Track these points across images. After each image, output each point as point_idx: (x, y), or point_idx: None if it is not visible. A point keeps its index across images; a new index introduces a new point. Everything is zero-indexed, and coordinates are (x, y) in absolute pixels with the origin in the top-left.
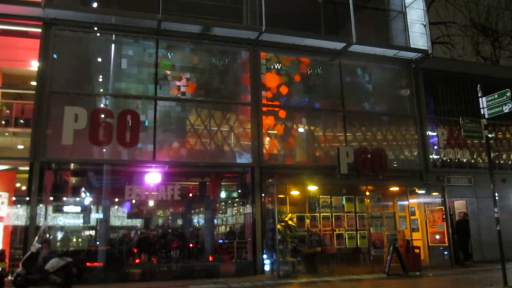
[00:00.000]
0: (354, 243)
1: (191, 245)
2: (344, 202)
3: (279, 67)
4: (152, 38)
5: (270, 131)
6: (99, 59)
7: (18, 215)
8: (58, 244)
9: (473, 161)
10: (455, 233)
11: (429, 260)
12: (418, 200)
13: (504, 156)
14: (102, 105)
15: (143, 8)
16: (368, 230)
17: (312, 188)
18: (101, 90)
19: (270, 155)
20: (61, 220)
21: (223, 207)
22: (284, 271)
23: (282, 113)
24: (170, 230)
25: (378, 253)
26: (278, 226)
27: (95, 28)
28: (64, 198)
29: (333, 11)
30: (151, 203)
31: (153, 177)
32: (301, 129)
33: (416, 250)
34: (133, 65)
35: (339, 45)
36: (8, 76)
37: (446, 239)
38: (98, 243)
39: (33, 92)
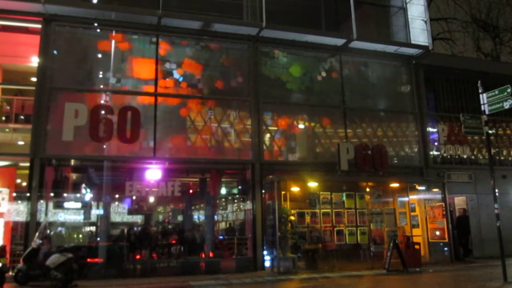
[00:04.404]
0: (354, 239)
1: (191, 241)
2: (344, 198)
3: (279, 63)
4: (152, 34)
5: (270, 128)
6: (99, 55)
7: (19, 211)
8: (58, 240)
9: (473, 157)
10: (455, 229)
11: (429, 256)
12: (418, 196)
13: (505, 152)
14: (102, 101)
15: (143, 4)
16: (368, 226)
17: (313, 184)
18: (102, 86)
19: (270, 152)
20: (61, 216)
21: (224, 204)
22: (285, 267)
23: (282, 110)
24: (170, 226)
25: (378, 249)
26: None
27: (95, 24)
28: (65, 194)
29: (334, 7)
30: (151, 199)
31: (153, 173)
32: (301, 126)
33: (416, 246)
34: (133, 61)
35: (339, 41)
36: (9, 72)
37: (446, 235)
38: (98, 239)
39: (33, 88)
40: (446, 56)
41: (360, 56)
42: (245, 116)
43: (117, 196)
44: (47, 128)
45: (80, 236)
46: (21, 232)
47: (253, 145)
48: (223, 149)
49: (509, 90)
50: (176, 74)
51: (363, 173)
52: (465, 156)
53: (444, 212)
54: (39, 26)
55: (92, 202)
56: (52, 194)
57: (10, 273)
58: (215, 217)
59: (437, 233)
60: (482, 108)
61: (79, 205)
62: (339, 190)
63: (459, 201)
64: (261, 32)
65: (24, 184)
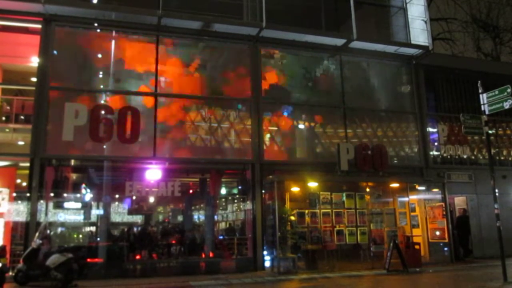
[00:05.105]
0: (355, 240)
1: (191, 241)
2: (344, 198)
3: (279, 63)
4: (152, 34)
5: (270, 128)
6: (100, 55)
7: (19, 211)
8: (58, 240)
9: (473, 157)
10: (455, 229)
11: (429, 256)
12: (418, 196)
13: (505, 152)
14: (102, 102)
15: (143, 4)
16: (368, 226)
17: (313, 184)
18: (102, 86)
19: (270, 152)
20: (61, 216)
21: (224, 204)
22: (285, 267)
23: (282, 110)
24: (170, 227)
25: (378, 249)
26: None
27: (95, 24)
28: (65, 194)
29: (334, 7)
30: (151, 199)
31: (153, 173)
32: (301, 126)
33: (416, 247)
34: (133, 61)
35: (339, 41)
36: (9, 72)
37: (446, 235)
38: (98, 239)
39: (33, 88)
40: (446, 56)
41: (360, 56)
42: (245, 116)
43: (117, 196)
44: (47, 128)
45: (80, 236)
46: (21, 232)
47: (253, 145)
48: (223, 149)
49: (509, 90)
50: (176, 74)
51: (363, 173)
52: (465, 156)
53: (444, 212)
54: (39, 26)
55: (92, 202)
56: (52, 194)
57: (10, 273)
58: (215, 217)
59: (437, 233)
60: (482, 108)
61: (79, 205)
62: (339, 190)
63: (459, 201)
64: (261, 32)
65: (24, 184)
